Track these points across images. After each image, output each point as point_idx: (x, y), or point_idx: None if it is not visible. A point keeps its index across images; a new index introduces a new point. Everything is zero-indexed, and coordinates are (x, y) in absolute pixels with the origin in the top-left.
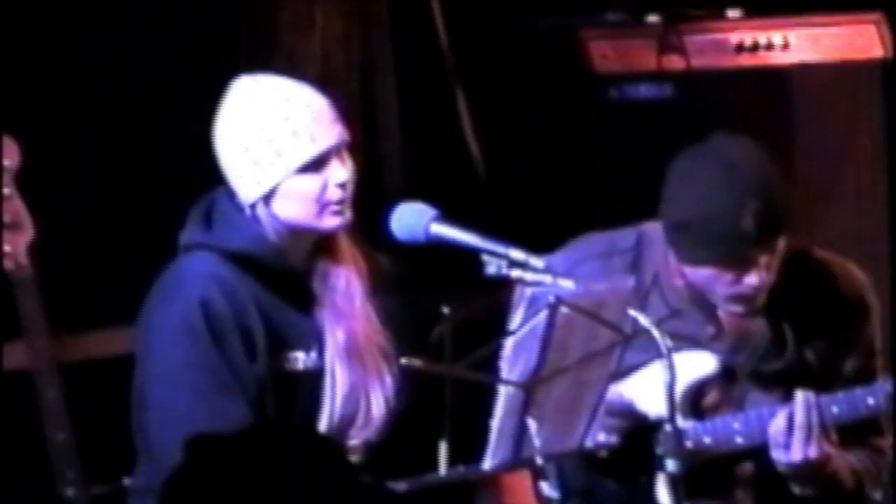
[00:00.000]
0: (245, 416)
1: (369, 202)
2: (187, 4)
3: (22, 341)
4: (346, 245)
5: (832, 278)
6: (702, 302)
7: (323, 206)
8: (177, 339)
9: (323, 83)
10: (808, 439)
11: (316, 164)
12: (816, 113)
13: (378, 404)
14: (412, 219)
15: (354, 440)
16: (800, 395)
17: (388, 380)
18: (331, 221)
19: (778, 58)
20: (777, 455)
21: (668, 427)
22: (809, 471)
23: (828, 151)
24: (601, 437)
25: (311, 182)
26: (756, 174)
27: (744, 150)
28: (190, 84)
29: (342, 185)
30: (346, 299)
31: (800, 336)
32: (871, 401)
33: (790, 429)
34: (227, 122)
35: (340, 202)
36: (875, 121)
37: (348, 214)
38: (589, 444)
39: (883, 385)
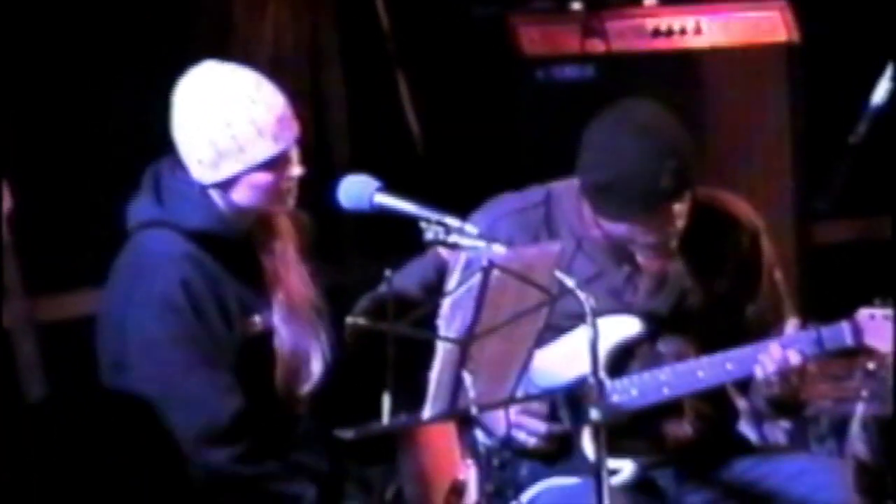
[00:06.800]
0: (230, 383)
1: (318, 174)
2: None
3: None
4: (281, 214)
5: (719, 210)
6: (620, 249)
7: (277, 196)
8: (161, 317)
9: (274, 66)
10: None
11: (275, 161)
12: (726, 92)
13: (316, 358)
14: (357, 190)
15: (301, 392)
16: (791, 324)
17: (323, 335)
18: (280, 207)
19: (691, 42)
20: (776, 385)
21: (590, 379)
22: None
23: (737, 128)
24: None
25: (270, 176)
26: (670, 135)
27: (654, 113)
28: (151, 66)
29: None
30: (283, 264)
31: (704, 268)
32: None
33: (785, 357)
34: (191, 110)
35: (290, 189)
36: (780, 99)
37: (293, 197)
38: (519, 395)
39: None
